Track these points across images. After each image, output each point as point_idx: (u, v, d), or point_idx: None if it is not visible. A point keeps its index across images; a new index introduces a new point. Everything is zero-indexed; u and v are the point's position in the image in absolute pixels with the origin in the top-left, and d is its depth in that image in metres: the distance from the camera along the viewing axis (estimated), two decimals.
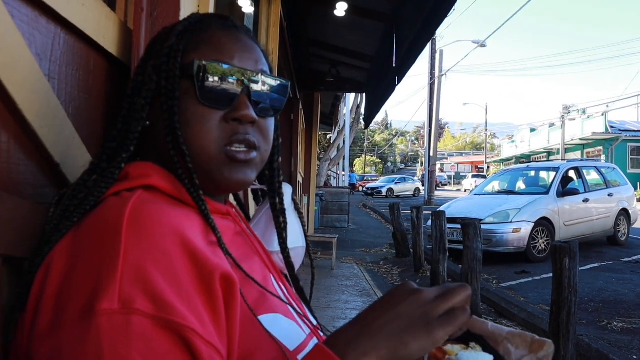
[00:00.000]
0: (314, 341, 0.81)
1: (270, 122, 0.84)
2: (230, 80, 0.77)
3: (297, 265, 1.01)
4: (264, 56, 0.86)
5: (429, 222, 7.64)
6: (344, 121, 20.86)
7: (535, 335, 0.82)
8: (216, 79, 0.76)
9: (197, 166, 0.75)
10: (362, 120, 15.27)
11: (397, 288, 0.66)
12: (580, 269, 7.42)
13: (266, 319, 0.72)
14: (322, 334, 0.88)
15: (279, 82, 0.84)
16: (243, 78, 0.79)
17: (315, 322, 0.89)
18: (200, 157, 0.75)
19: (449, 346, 0.84)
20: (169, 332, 0.57)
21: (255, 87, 0.80)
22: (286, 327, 0.75)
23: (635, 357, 4.07)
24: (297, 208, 1.07)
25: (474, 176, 44.56)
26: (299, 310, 0.84)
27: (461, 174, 58.25)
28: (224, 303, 0.64)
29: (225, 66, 0.77)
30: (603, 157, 31.54)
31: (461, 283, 0.66)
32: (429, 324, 0.61)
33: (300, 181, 8.56)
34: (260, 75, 0.81)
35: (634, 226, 11.01)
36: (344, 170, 27.94)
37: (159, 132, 0.76)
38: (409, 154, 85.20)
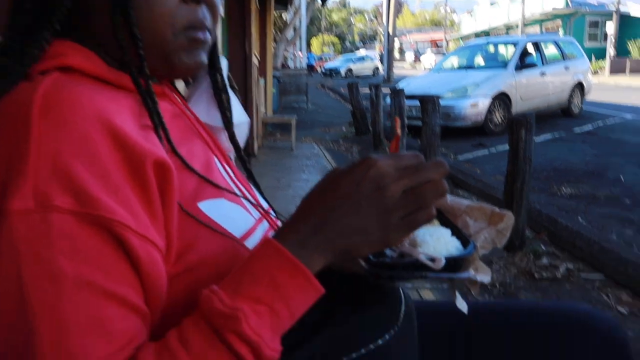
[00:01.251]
0: (264, 225, 0.76)
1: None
2: None
3: (242, 142, 0.96)
4: None
5: (388, 100, 7.60)
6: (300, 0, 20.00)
7: (495, 207, 0.79)
8: None
9: (149, 53, 0.65)
10: None
11: (358, 165, 0.58)
12: (535, 140, 7.64)
13: (208, 205, 0.66)
14: (274, 217, 0.84)
15: None
16: None
17: (266, 205, 0.85)
18: (155, 43, 0.66)
19: None
20: (96, 228, 0.51)
21: None
22: (231, 212, 0.70)
23: (579, 217, 4.28)
24: (231, 84, 0.99)
25: (433, 52, 44.18)
26: (247, 193, 0.79)
27: (420, 51, 57.60)
28: (159, 191, 0.57)
29: None
30: (561, 31, 31.61)
31: (437, 159, 0.59)
32: (386, 227, 0.56)
33: (256, 63, 8.27)
34: None
35: (587, 98, 11.24)
36: (300, 51, 27.24)
37: (96, 9, 0.64)
38: (368, 32, 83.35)
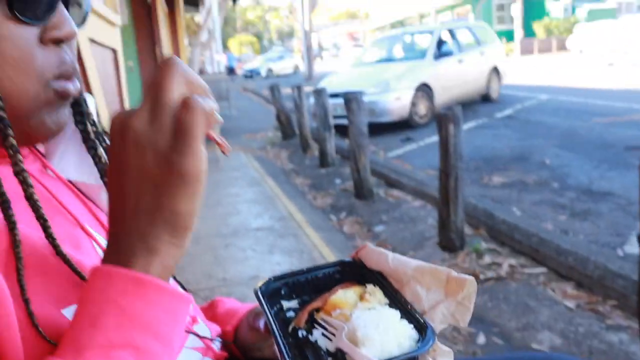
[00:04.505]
0: None
1: None
2: None
3: None
4: None
5: (312, 100, 7.45)
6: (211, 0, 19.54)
7: (451, 270, 0.62)
8: None
9: (10, 114, 0.50)
10: None
11: (111, 138, 0.47)
12: None
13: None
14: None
15: None
16: None
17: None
18: (19, 101, 0.51)
19: (341, 293, 0.64)
20: None
21: None
22: None
23: (514, 208, 4.29)
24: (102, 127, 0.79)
25: (353, 46, 44.59)
26: None
27: (339, 45, 58.04)
28: None
29: None
30: (472, 15, 32.75)
31: (165, 58, 0.47)
32: (170, 165, 0.44)
33: None
34: None
35: (503, 82, 11.56)
36: (217, 53, 26.73)
37: None
38: (285, 29, 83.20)
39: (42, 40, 0.52)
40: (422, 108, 8.82)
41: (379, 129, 8.28)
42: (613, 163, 5.32)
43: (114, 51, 3.42)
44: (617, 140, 6.28)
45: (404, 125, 8.58)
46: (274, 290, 0.67)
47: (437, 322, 0.60)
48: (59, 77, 0.54)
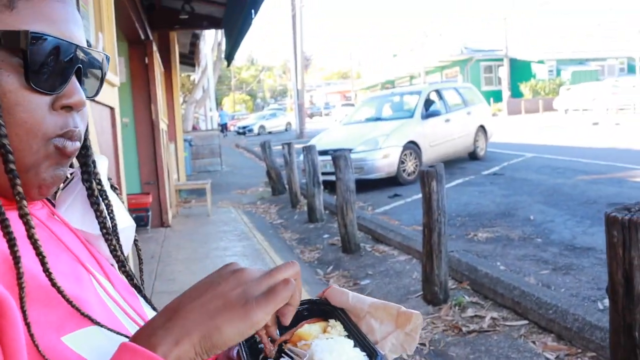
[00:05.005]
0: None
1: (87, 104, 0.69)
2: (63, 58, 0.61)
3: (127, 249, 0.85)
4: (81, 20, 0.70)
5: (302, 156, 7.60)
6: (206, 60, 20.06)
7: (400, 306, 0.71)
8: (46, 56, 0.59)
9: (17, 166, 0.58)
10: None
11: (220, 269, 0.58)
12: (447, 186, 7.86)
13: (75, 338, 0.57)
14: None
15: (103, 56, 0.70)
16: (74, 54, 0.62)
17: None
18: (22, 156, 0.59)
19: (307, 327, 0.72)
20: None
21: (84, 66, 0.65)
22: (105, 342, 0.60)
23: (498, 263, 4.36)
24: (112, 185, 0.88)
25: (342, 105, 45.45)
26: (130, 310, 0.70)
27: (330, 104, 59.16)
28: None
29: (61, 40, 0.60)
30: (460, 77, 33.64)
31: (290, 261, 0.60)
32: (246, 303, 0.53)
33: (165, 128, 8.06)
34: (85, 49, 0.65)
35: (490, 140, 11.83)
36: (211, 111, 27.17)
37: None
38: (278, 88, 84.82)
39: (53, 107, 0.60)
40: (410, 165, 8.99)
41: (367, 186, 8.41)
42: (595, 219, 5.43)
43: (112, 109, 3.56)
44: (599, 197, 6.42)
45: (392, 182, 8.72)
46: None
47: (387, 350, 0.69)
48: (61, 136, 0.61)
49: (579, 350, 2.82)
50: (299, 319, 0.78)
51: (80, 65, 0.63)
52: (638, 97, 23.83)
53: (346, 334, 0.70)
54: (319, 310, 0.77)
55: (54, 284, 0.57)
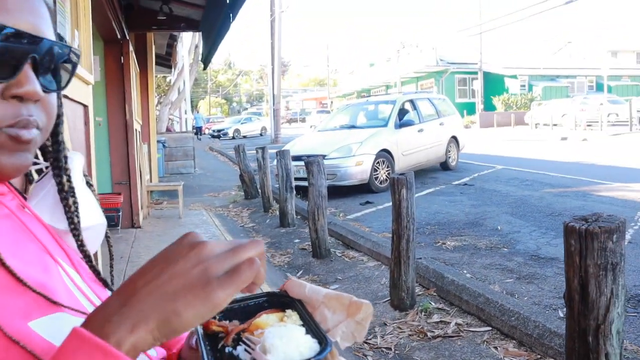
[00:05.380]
0: None
1: (54, 96, 0.69)
2: (14, 46, 0.61)
3: (96, 245, 0.88)
4: (50, 15, 0.70)
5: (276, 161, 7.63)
6: (183, 62, 19.94)
7: (352, 296, 0.76)
8: None
9: None
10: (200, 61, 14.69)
11: (177, 242, 0.54)
12: (418, 195, 7.98)
13: (42, 324, 0.58)
14: None
15: (68, 50, 0.69)
16: (28, 44, 0.62)
17: None
18: None
19: (264, 316, 0.76)
20: None
21: (42, 56, 0.64)
22: (68, 328, 0.61)
23: (465, 271, 4.45)
24: (88, 181, 0.91)
25: (318, 112, 45.59)
26: (96, 300, 0.72)
27: (306, 110, 59.27)
28: None
29: (8, 30, 0.60)
30: (435, 88, 34.08)
31: (253, 239, 0.56)
32: (207, 284, 0.50)
33: (138, 129, 8.01)
34: (46, 40, 0.65)
35: (462, 151, 12.02)
36: (186, 114, 26.98)
37: None
38: (254, 92, 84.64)
39: (3, 96, 0.60)
40: (383, 173, 9.09)
41: (340, 192, 8.48)
42: (559, 231, 5.55)
43: (85, 107, 3.55)
44: (564, 210, 6.59)
45: (364, 190, 8.80)
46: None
47: (338, 338, 0.73)
48: (13, 126, 0.61)
49: (539, 356, 2.91)
50: (259, 310, 0.83)
51: (35, 56, 0.63)
52: (604, 115, 24.48)
53: (301, 323, 0.74)
54: (279, 302, 0.82)
55: (9, 271, 0.58)
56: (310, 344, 0.64)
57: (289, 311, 0.77)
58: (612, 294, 2.09)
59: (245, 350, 0.66)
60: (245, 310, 0.81)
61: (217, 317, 0.81)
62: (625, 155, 13.09)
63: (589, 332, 2.10)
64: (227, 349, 0.74)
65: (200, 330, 0.73)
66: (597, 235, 2.08)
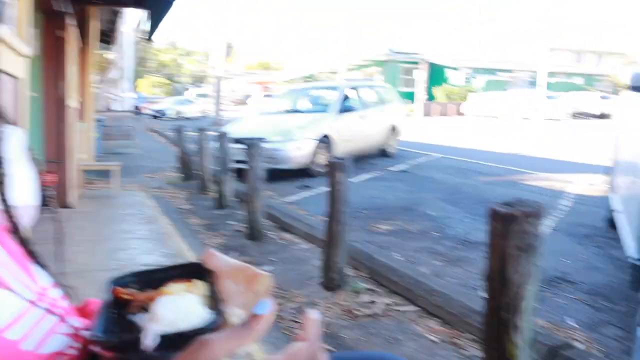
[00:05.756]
0: (38, 308, 0.69)
1: None
2: None
3: (26, 224, 0.87)
4: None
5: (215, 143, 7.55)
6: (125, 40, 19.35)
7: (254, 268, 0.79)
8: None
9: None
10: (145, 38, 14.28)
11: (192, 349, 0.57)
12: (357, 180, 8.10)
13: None
14: (57, 293, 0.78)
15: None
16: None
17: (48, 283, 0.78)
18: None
19: (171, 286, 0.78)
20: None
21: None
22: None
23: (396, 253, 4.56)
24: (34, 157, 0.91)
25: (264, 96, 45.25)
26: (20, 272, 0.71)
27: (251, 93, 58.69)
28: None
29: None
30: (381, 77, 34.49)
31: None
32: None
33: (75, 106, 7.71)
34: None
35: (402, 139, 12.26)
36: (124, 92, 26.23)
37: None
38: (199, 74, 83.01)
39: None
40: (322, 158, 9.15)
41: (279, 176, 8.48)
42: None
43: (17, 79, 3.40)
44: (494, 197, 6.84)
45: (303, 174, 8.85)
46: (127, 282, 0.81)
47: (236, 308, 0.75)
48: None
49: (460, 333, 3.04)
50: (169, 279, 0.84)
51: None
52: (537, 109, 25.50)
53: (207, 293, 0.76)
54: (192, 272, 0.83)
55: None
56: (202, 314, 0.66)
57: (195, 281, 0.78)
58: (526, 273, 2.21)
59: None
60: (161, 279, 0.83)
61: (136, 285, 0.82)
62: (554, 148, 13.71)
63: (503, 308, 2.22)
64: (128, 316, 0.75)
65: (110, 298, 0.75)
66: (517, 218, 2.19)
